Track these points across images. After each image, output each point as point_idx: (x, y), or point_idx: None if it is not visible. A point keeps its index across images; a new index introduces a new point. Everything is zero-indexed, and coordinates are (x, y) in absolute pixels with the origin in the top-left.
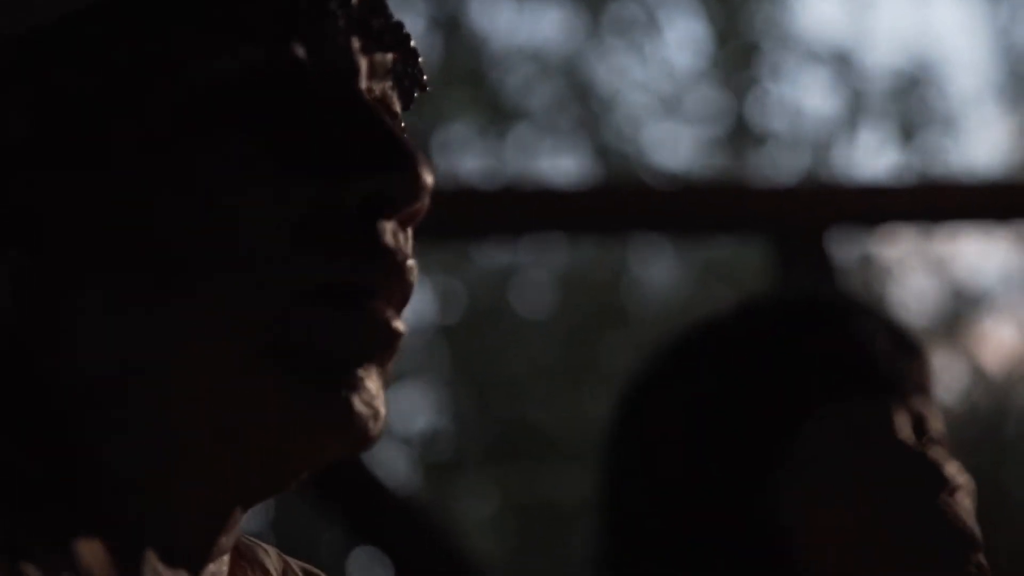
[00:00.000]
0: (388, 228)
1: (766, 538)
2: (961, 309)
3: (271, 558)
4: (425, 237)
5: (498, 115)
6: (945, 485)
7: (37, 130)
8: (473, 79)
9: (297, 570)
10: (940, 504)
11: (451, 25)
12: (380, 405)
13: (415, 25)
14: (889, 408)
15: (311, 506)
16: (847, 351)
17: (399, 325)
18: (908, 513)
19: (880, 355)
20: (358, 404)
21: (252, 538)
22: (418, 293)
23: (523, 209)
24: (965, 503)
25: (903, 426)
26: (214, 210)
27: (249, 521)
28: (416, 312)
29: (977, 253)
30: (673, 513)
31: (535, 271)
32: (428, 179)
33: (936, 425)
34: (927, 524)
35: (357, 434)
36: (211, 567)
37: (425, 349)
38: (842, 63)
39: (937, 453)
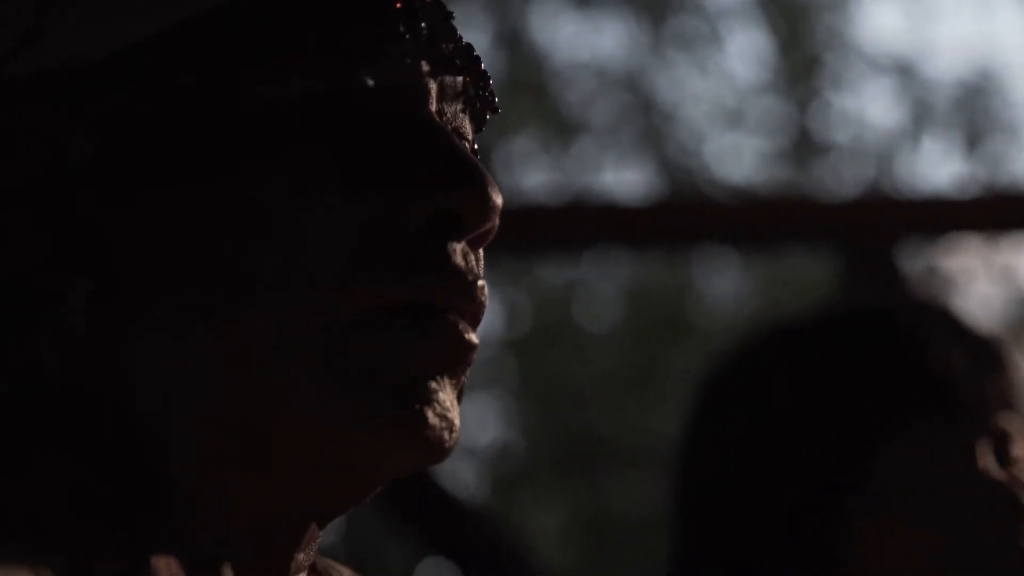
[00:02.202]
0: (458, 249)
1: (833, 563)
2: None
3: None
4: (490, 252)
5: (561, 129)
6: None
7: (104, 154)
8: (536, 93)
9: None
10: (1020, 538)
11: (513, 40)
12: (454, 417)
13: (478, 40)
14: (970, 433)
15: (381, 518)
16: (927, 371)
17: (473, 337)
18: (985, 548)
19: (962, 374)
20: (432, 417)
21: (328, 559)
22: (487, 308)
23: (587, 224)
24: None
25: (984, 452)
26: (278, 229)
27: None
28: (483, 325)
29: None
30: (741, 530)
31: (600, 285)
32: (497, 199)
33: (1022, 444)
34: (1006, 560)
35: (432, 447)
36: None
37: (493, 362)
38: (905, 73)
39: (1020, 478)
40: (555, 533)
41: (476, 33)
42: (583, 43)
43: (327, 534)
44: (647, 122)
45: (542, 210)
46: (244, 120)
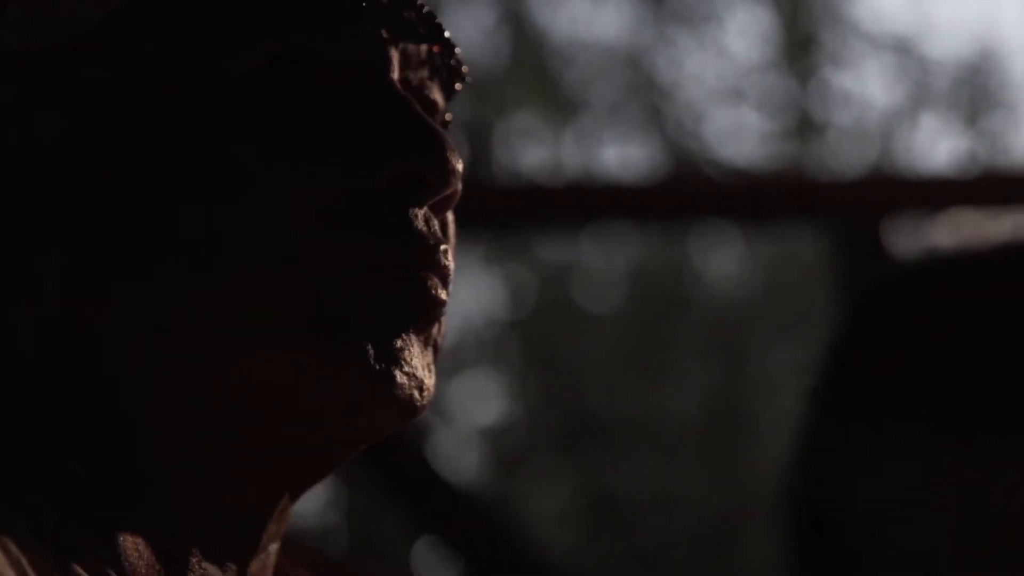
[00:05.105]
0: (419, 214)
1: None
2: None
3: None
4: (491, 230)
5: (562, 108)
6: None
7: (74, 128)
8: (537, 72)
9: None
10: None
11: (515, 18)
12: (424, 375)
13: (482, 18)
14: None
15: (377, 500)
16: None
17: (442, 293)
18: None
19: None
20: (399, 376)
21: (292, 539)
22: (487, 287)
23: (589, 202)
24: None
25: None
26: (245, 195)
27: (320, 515)
28: (486, 305)
29: None
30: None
31: (602, 263)
32: (457, 164)
33: None
34: None
35: (401, 406)
36: (259, 558)
37: (495, 342)
38: (905, 52)
39: None
40: (557, 512)
41: (480, 10)
42: (584, 21)
43: (325, 516)
44: (648, 101)
45: (543, 189)
46: (210, 89)
